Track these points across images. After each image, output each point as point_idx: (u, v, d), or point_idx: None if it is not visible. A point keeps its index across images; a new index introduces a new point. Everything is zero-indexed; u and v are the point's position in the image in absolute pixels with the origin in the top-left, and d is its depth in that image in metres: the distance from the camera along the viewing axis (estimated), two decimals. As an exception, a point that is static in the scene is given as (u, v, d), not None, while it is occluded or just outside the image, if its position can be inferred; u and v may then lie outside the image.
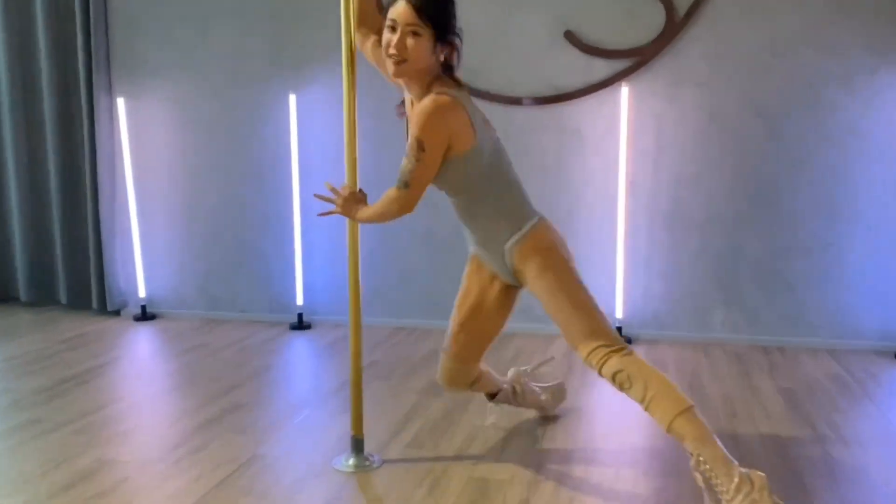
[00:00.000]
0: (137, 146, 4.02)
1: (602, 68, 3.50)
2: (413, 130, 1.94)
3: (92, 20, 3.90)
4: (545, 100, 3.54)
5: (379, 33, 2.05)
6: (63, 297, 4.24)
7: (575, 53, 3.50)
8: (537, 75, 3.56)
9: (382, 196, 2.05)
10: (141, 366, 3.26)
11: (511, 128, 3.52)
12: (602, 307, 2.05)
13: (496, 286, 2.19)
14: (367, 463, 2.23)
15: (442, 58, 1.99)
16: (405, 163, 1.96)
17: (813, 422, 2.55)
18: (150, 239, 4.08)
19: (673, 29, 3.40)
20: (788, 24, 3.33)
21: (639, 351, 3.38)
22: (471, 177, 2.02)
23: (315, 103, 3.78)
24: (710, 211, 3.48)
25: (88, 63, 3.95)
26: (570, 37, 3.50)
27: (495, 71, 3.57)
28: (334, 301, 3.87)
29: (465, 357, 2.27)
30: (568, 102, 3.52)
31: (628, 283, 3.54)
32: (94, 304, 4.15)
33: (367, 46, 2.22)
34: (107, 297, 4.09)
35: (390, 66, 1.98)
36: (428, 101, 1.93)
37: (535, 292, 2.06)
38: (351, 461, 2.22)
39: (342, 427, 2.41)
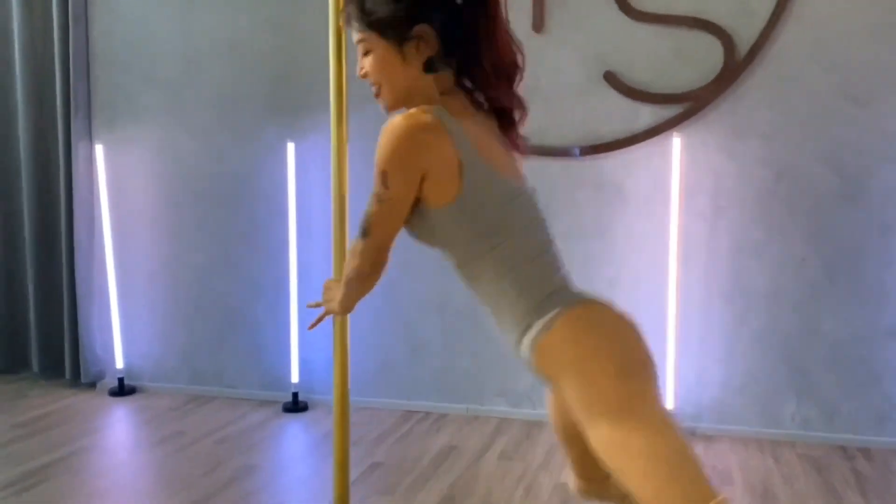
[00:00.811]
0: (118, 199, 3.58)
1: (648, 115, 3.01)
2: (376, 159, 1.37)
3: (72, 59, 3.49)
4: (582, 151, 3.05)
5: None
6: (35, 365, 3.79)
7: (617, 97, 3.02)
8: (573, 122, 3.07)
9: None
10: (103, 464, 2.77)
11: (541, 183, 3.01)
12: (694, 457, 1.30)
13: None
14: None
15: (422, 60, 1.41)
16: (366, 205, 1.42)
17: (935, 574, 1.99)
18: (130, 303, 3.61)
19: (733, 70, 2.90)
20: (869, 63, 2.82)
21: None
22: (458, 236, 1.41)
23: (316, 153, 3.31)
24: (777, 284, 2.94)
25: (66, 106, 3.54)
26: (611, 78, 3.01)
27: (523, 117, 3.09)
28: (335, 379, 3.37)
29: (593, 475, 1.61)
30: (609, 154, 3.03)
31: (681, 367, 3.00)
32: (68, 374, 3.69)
33: None
34: (81, 367, 3.63)
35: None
36: (398, 118, 1.35)
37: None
38: None
39: (328, 576, 1.88)
